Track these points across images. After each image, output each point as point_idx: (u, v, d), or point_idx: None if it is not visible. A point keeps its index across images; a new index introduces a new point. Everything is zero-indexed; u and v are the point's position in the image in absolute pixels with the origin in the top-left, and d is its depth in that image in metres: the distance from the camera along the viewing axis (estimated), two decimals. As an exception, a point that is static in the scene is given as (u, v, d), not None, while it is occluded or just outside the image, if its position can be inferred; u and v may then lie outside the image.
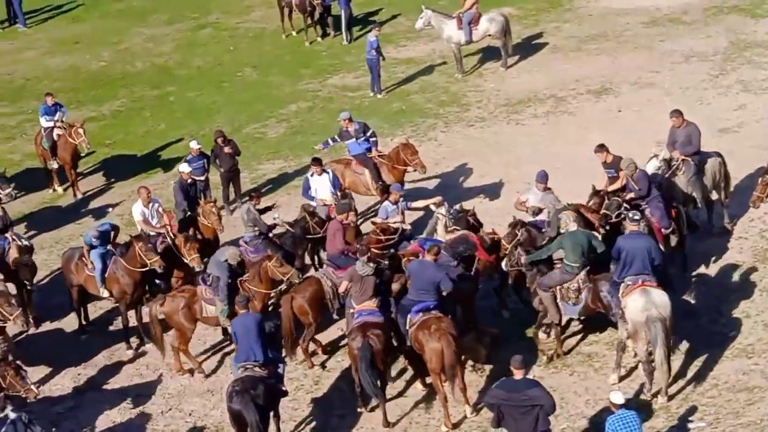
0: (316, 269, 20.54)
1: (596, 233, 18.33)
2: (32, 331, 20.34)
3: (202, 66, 32.94)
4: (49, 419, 17.82)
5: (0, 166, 25.37)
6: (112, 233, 20.56)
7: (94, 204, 25.39)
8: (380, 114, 28.02)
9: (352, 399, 17.96)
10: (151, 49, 34.62)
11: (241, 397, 16.04)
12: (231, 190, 24.10)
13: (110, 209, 24.94)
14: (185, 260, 19.96)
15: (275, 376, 16.71)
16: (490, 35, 29.65)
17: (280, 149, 27.15)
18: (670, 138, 20.78)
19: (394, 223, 19.86)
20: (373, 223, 20.16)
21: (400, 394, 18.06)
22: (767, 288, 19.37)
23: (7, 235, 20.92)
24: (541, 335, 18.47)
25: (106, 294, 20.11)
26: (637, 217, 17.66)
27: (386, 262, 18.70)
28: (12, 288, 20.44)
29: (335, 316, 19.49)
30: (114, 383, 19.19)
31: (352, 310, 17.86)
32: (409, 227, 20.13)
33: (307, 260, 20.99)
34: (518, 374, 14.76)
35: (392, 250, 19.27)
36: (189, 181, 21.99)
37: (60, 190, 26.12)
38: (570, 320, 18.55)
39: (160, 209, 21.04)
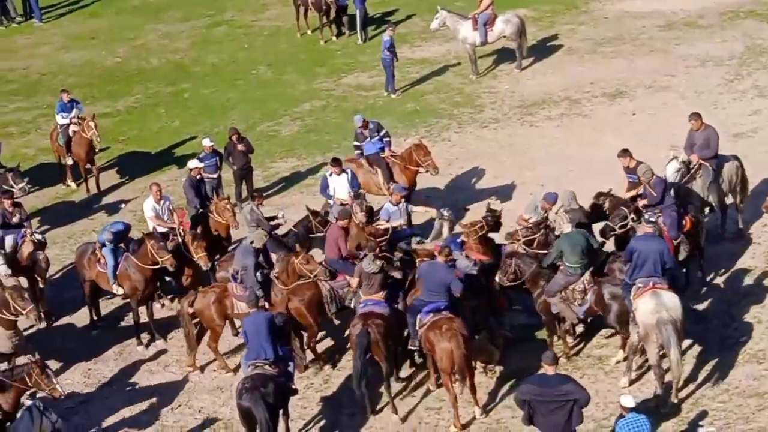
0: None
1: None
2: (43, 325, 20.40)
3: (216, 63, 32.98)
4: (58, 413, 17.81)
5: (14, 161, 25.48)
6: (125, 232, 20.54)
7: (107, 200, 25.44)
8: (394, 114, 28.01)
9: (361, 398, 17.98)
10: (166, 46, 34.68)
11: (250, 394, 16.06)
12: (243, 188, 24.11)
13: (123, 205, 25.00)
14: (193, 258, 20.00)
15: (285, 374, 16.73)
16: (505, 36, 29.62)
17: (294, 147, 27.16)
18: (688, 141, 20.68)
19: (386, 223, 19.84)
20: (360, 226, 20.10)
21: (410, 394, 18.05)
22: (780, 293, 19.36)
23: (22, 229, 20.93)
24: (569, 339, 18.42)
25: (117, 291, 20.16)
26: (652, 219, 17.62)
27: (397, 258, 18.72)
28: (24, 282, 20.52)
29: (336, 321, 19.48)
30: (124, 379, 19.24)
31: (360, 302, 18.10)
32: (401, 225, 20.02)
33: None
34: (550, 370, 14.84)
35: (399, 247, 19.25)
36: (198, 177, 22.02)
37: (73, 185, 26.19)
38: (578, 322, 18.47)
39: (171, 206, 21.07)
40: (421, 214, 21.26)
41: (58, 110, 25.70)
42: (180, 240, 20.24)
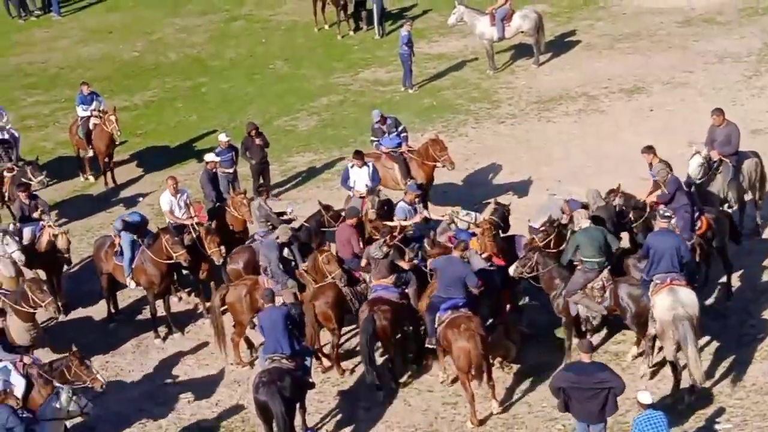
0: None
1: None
2: (61, 318, 20.49)
3: (234, 58, 33.03)
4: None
5: (33, 154, 25.56)
6: (141, 226, 20.59)
7: (125, 193, 25.52)
8: (411, 109, 28.01)
9: (378, 392, 18.01)
10: (184, 40, 34.74)
11: (267, 388, 16.09)
12: (261, 182, 24.13)
13: (141, 199, 25.06)
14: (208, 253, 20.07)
15: (302, 368, 16.75)
16: (522, 32, 29.59)
17: (311, 142, 27.19)
18: (708, 136, 20.59)
19: (395, 222, 19.90)
20: (369, 221, 20.13)
21: (426, 389, 18.07)
22: (797, 291, 19.32)
23: (40, 222, 21.01)
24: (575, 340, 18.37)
25: (132, 284, 20.22)
26: (667, 214, 17.52)
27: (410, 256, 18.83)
28: (42, 275, 20.62)
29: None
30: (141, 372, 19.29)
31: (370, 287, 18.38)
32: (411, 226, 20.06)
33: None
34: (586, 358, 15.05)
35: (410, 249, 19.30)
36: (213, 170, 22.06)
37: (91, 178, 26.26)
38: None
39: (188, 200, 21.12)
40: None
41: (79, 102, 25.75)
42: (195, 235, 20.29)
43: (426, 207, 22.44)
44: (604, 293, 17.56)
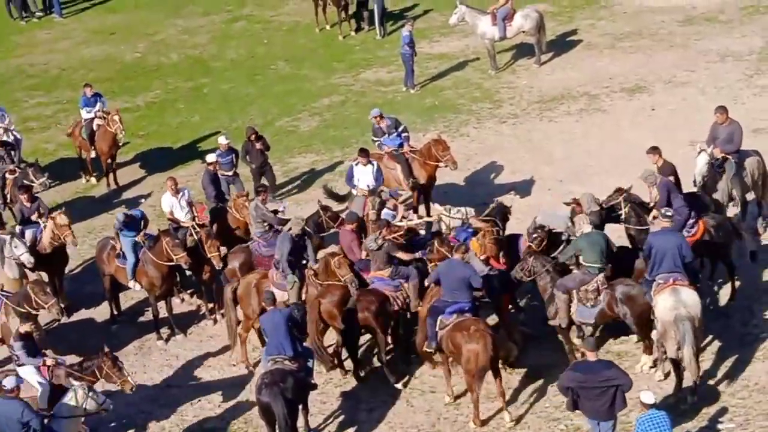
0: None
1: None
2: (64, 320, 20.50)
3: (235, 58, 33.04)
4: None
5: (35, 156, 25.58)
6: (142, 222, 20.61)
7: (127, 194, 25.53)
8: (413, 109, 28.01)
9: (380, 392, 18.03)
10: (185, 41, 34.76)
11: (270, 389, 16.10)
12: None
13: (143, 200, 25.06)
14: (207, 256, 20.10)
15: (305, 369, 16.76)
16: (524, 32, 29.59)
17: (312, 143, 27.19)
18: (710, 134, 20.54)
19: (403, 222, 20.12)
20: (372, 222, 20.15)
21: (429, 389, 18.08)
22: (799, 290, 19.30)
23: (41, 225, 21.01)
24: (576, 340, 18.31)
25: (135, 287, 20.23)
26: (669, 213, 17.48)
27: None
28: (44, 277, 20.63)
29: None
30: (144, 373, 19.29)
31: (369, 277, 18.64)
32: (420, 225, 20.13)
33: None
34: (592, 356, 15.12)
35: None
36: (215, 171, 22.07)
37: (93, 180, 26.28)
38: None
39: (190, 199, 21.11)
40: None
41: (82, 104, 25.78)
42: (197, 237, 20.31)
43: (428, 207, 22.49)
44: (598, 296, 17.39)
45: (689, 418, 16.49)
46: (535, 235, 18.50)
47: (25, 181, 22.58)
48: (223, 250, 20.60)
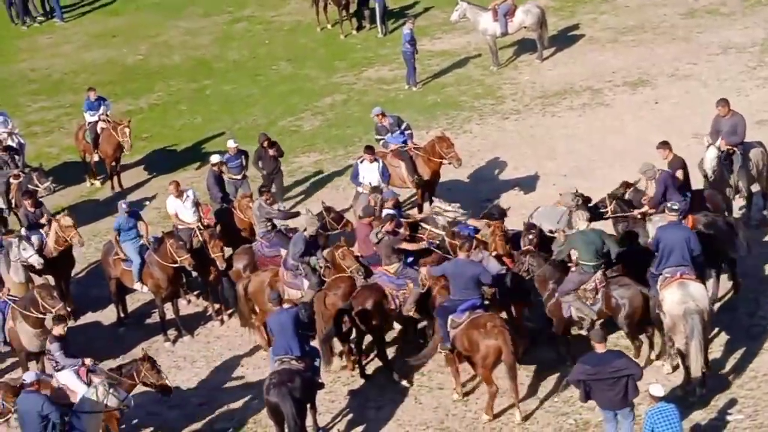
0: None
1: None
2: (71, 324, 20.49)
3: (237, 59, 33.05)
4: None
5: (38, 160, 25.60)
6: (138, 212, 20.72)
7: (132, 197, 25.50)
8: (415, 107, 28.01)
9: (388, 390, 18.03)
10: (187, 43, 34.77)
11: (278, 389, 16.11)
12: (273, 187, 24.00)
13: (147, 202, 25.10)
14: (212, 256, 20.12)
15: (312, 368, 16.78)
16: (525, 27, 29.57)
17: (315, 142, 27.20)
18: (713, 127, 20.50)
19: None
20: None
21: (438, 385, 18.07)
22: (806, 280, 19.28)
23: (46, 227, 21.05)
24: (582, 332, 18.25)
25: (142, 289, 20.26)
26: (675, 207, 17.42)
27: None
28: (51, 280, 20.64)
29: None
30: (152, 375, 19.30)
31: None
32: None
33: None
34: (600, 347, 15.15)
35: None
36: (219, 172, 22.06)
37: (98, 183, 26.30)
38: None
39: (196, 199, 21.11)
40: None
41: (86, 108, 25.80)
42: (202, 238, 20.33)
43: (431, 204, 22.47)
44: (596, 295, 17.32)
45: (698, 410, 16.48)
46: (530, 236, 18.44)
47: (30, 186, 22.60)
48: (229, 250, 20.64)
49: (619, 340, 18.44)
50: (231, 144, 23.45)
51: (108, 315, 21.06)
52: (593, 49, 30.36)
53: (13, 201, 23.54)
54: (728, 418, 16.33)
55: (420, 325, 18.91)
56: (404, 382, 18.13)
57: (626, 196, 19.30)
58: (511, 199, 23.01)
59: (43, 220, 21.18)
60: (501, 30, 29.31)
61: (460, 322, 16.96)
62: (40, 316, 18.40)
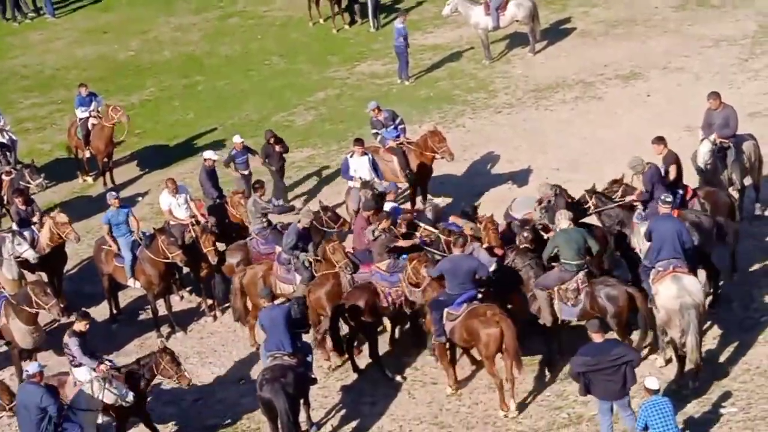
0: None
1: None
2: (63, 320, 20.47)
3: (229, 55, 32.99)
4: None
5: (30, 156, 25.53)
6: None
7: (124, 193, 25.42)
8: (408, 101, 27.98)
9: (382, 385, 18.03)
10: (178, 38, 34.70)
11: (271, 385, 16.11)
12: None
13: (140, 198, 25.06)
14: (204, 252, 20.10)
15: (304, 364, 16.77)
16: (517, 21, 29.54)
17: (309, 137, 27.16)
18: (705, 120, 20.50)
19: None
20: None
21: (431, 380, 18.08)
22: (799, 273, 19.30)
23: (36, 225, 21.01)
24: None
25: (134, 285, 20.24)
26: (668, 199, 17.41)
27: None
28: (44, 277, 20.62)
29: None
30: (145, 372, 19.28)
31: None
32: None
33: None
34: (598, 337, 15.21)
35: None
36: (211, 167, 22.03)
37: (90, 179, 26.25)
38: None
39: (190, 197, 21.10)
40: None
41: (77, 104, 25.73)
42: (194, 234, 20.31)
43: (425, 199, 22.45)
44: (579, 295, 17.20)
45: (691, 403, 16.50)
46: (525, 234, 18.39)
47: (22, 183, 22.56)
48: (222, 246, 20.62)
49: (613, 334, 18.46)
50: (237, 139, 23.38)
51: (101, 311, 21.03)
52: (585, 42, 30.35)
53: (4, 198, 23.49)
54: (722, 411, 16.33)
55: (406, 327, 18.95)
56: (398, 378, 18.14)
57: (618, 193, 19.18)
58: (504, 192, 22.99)
59: (35, 218, 21.13)
60: (493, 24, 29.28)
61: (458, 314, 16.96)
62: (34, 312, 18.36)
